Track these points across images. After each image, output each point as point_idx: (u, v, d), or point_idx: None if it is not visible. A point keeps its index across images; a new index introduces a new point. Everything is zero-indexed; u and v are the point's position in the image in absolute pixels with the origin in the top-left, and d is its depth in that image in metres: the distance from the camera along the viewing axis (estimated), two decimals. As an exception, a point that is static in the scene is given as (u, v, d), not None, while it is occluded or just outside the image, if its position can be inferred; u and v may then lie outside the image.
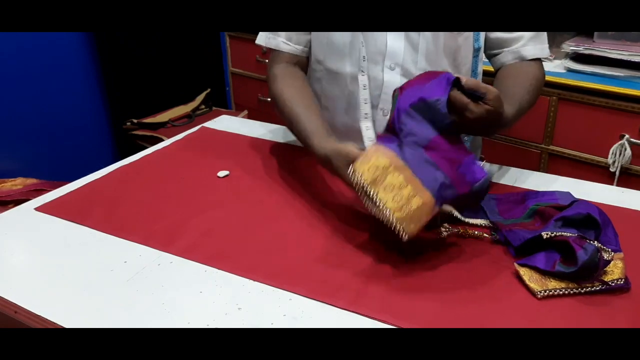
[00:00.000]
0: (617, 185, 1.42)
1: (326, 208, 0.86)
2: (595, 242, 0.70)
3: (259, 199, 0.90)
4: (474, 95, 0.73)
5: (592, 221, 0.73)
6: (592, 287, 0.66)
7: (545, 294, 0.66)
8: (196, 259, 0.74)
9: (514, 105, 0.87)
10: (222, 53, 2.46)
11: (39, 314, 0.65)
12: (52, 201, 0.90)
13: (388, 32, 0.98)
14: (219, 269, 0.72)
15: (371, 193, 0.68)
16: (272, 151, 1.08)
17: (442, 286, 0.69)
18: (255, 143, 1.12)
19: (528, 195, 0.84)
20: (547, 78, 1.48)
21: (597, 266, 0.65)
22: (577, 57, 1.54)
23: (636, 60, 1.43)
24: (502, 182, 0.94)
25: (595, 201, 0.88)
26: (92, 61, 2.09)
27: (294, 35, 1.04)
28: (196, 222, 0.83)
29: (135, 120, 2.12)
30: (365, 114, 1.02)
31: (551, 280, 0.68)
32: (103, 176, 0.98)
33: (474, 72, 1.03)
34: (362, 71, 1.01)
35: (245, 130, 1.18)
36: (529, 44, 1.01)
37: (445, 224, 0.77)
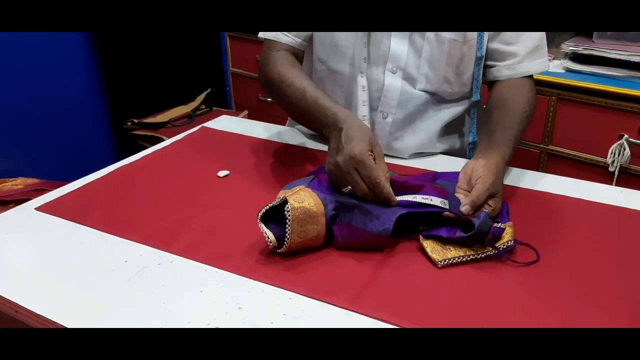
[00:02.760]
0: (616, 185, 1.43)
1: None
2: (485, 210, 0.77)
3: (259, 199, 0.89)
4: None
5: None
6: (487, 253, 0.73)
7: (446, 262, 0.72)
8: (197, 258, 0.74)
9: (508, 143, 0.88)
10: (222, 53, 2.46)
11: (39, 314, 0.65)
12: (53, 201, 0.90)
13: (392, 35, 0.97)
14: (219, 268, 0.73)
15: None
16: (272, 151, 1.08)
17: (444, 285, 0.69)
18: (256, 143, 1.12)
19: (437, 175, 0.90)
20: (547, 78, 1.50)
21: (489, 229, 0.73)
22: (576, 57, 1.54)
23: (635, 60, 1.43)
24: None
25: (594, 201, 0.88)
26: (92, 61, 2.10)
27: None
28: (196, 222, 0.83)
29: (135, 120, 2.12)
30: (363, 115, 1.01)
31: (451, 249, 0.74)
32: (104, 176, 0.98)
33: (475, 80, 1.02)
34: (362, 73, 1.01)
35: (245, 130, 1.18)
36: (525, 61, 0.99)
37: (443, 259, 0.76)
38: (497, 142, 0.87)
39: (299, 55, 1.05)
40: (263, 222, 0.73)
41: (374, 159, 0.77)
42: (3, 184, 1.70)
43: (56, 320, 0.64)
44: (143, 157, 1.07)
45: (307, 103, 0.89)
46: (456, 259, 0.72)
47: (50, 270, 0.73)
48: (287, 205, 0.72)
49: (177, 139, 1.15)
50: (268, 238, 0.72)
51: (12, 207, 0.92)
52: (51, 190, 0.94)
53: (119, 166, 1.02)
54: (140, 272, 0.72)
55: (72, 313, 0.65)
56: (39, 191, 1.61)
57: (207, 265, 0.73)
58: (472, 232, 0.72)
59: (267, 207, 0.74)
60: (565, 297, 0.67)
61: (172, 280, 0.71)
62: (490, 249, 0.73)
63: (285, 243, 0.72)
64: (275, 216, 0.74)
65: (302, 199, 0.73)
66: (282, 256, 0.74)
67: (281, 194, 0.75)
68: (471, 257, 0.73)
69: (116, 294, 0.68)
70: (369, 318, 0.64)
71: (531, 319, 0.64)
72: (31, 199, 0.91)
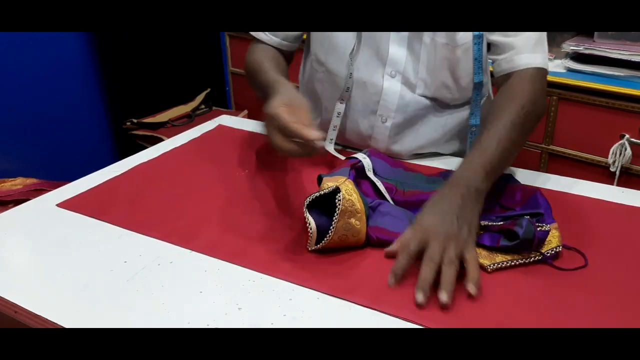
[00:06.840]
0: (618, 185, 1.42)
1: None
2: (527, 216, 0.75)
3: (278, 196, 0.90)
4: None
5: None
6: (534, 258, 0.72)
7: (495, 267, 0.71)
8: (217, 255, 0.74)
9: (485, 164, 0.80)
10: (222, 53, 2.46)
11: (38, 314, 0.65)
12: (73, 197, 0.90)
13: (390, 39, 0.96)
14: (241, 265, 0.73)
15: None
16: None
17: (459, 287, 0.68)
18: (265, 142, 1.11)
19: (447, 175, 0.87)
20: (548, 78, 1.49)
21: (534, 236, 0.70)
22: (578, 57, 1.54)
23: (636, 60, 1.43)
24: (502, 182, 0.94)
25: (597, 198, 0.88)
26: (92, 61, 2.10)
27: None
28: (216, 220, 0.83)
29: (135, 120, 2.12)
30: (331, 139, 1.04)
31: (497, 255, 0.73)
32: (121, 174, 0.98)
33: (475, 85, 1.01)
34: (342, 100, 1.03)
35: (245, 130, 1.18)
36: (524, 52, 0.94)
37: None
38: (470, 165, 0.81)
39: (282, 52, 1.09)
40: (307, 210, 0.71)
41: (290, 110, 0.76)
42: (2, 184, 1.70)
43: (55, 321, 0.63)
44: (159, 155, 1.06)
45: (261, 79, 0.97)
46: (504, 262, 0.71)
47: (49, 270, 0.73)
48: (339, 194, 0.70)
49: (194, 136, 1.15)
50: (309, 225, 0.71)
51: (11, 207, 0.91)
52: (50, 190, 0.93)
53: (134, 165, 1.02)
54: (140, 272, 0.72)
55: (71, 313, 0.65)
56: (38, 191, 1.61)
57: (207, 266, 0.73)
58: (517, 241, 0.70)
59: (318, 193, 0.71)
60: (579, 302, 0.66)
61: (171, 281, 0.70)
62: (537, 254, 0.72)
63: (329, 232, 0.70)
64: (318, 206, 0.72)
65: (351, 192, 0.72)
66: (302, 255, 0.74)
67: (331, 183, 0.72)
68: (519, 261, 0.72)
69: (115, 294, 0.68)
70: (374, 319, 0.63)
71: (560, 320, 0.63)
72: (30, 199, 0.91)
